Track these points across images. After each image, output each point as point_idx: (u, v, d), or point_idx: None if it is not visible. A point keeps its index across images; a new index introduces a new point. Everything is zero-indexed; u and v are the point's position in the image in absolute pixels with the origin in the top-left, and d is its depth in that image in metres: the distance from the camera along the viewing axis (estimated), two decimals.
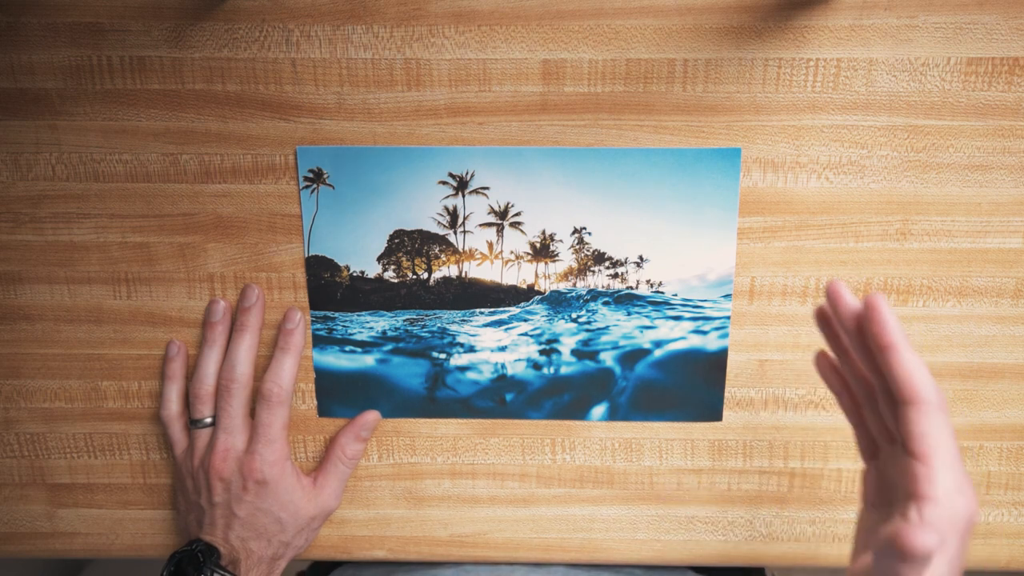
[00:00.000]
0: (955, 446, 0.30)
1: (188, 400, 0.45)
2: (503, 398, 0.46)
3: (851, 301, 0.32)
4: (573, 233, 0.43)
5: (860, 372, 0.35)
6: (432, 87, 0.41)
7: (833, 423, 0.46)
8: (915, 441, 0.30)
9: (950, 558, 0.29)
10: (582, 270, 0.44)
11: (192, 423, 0.44)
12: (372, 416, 0.46)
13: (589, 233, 0.43)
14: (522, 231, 0.43)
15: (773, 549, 0.48)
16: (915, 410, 0.30)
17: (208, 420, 0.44)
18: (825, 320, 0.35)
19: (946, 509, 0.29)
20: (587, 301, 0.44)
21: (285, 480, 0.44)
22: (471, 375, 0.46)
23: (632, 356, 0.45)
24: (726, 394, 0.46)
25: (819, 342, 0.44)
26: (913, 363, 0.30)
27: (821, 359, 0.37)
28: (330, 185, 0.43)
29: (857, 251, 0.43)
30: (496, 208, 0.43)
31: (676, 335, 0.45)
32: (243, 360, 0.43)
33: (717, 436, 0.47)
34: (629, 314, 0.44)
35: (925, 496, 0.29)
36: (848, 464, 0.47)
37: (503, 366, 0.45)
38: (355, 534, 0.49)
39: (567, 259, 0.44)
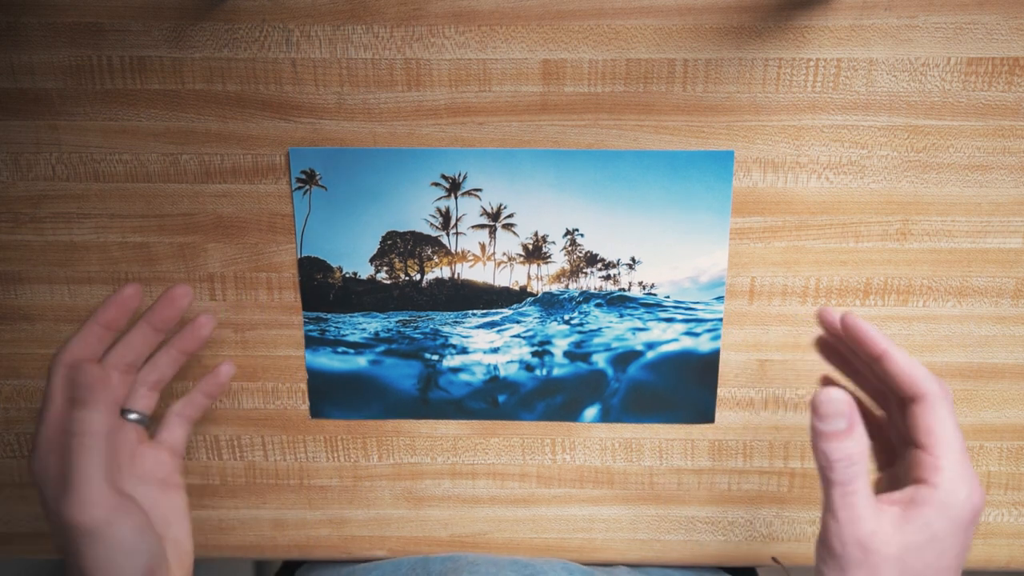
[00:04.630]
0: (961, 439, 0.30)
1: None
2: (495, 399, 0.46)
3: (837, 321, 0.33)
4: (565, 235, 0.43)
5: (873, 383, 0.35)
6: (432, 87, 0.41)
7: None
8: (921, 433, 0.30)
9: (955, 551, 0.29)
10: (574, 272, 0.44)
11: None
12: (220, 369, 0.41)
13: (581, 235, 0.43)
14: (514, 233, 0.43)
15: (773, 549, 0.48)
16: (920, 405, 0.31)
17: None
18: (827, 346, 0.37)
19: (943, 495, 0.29)
20: (580, 303, 0.44)
21: (103, 533, 0.34)
22: (463, 376, 0.46)
23: (624, 358, 0.45)
24: (726, 394, 0.46)
25: None
26: (907, 361, 0.32)
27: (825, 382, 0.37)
28: (323, 186, 0.43)
29: (857, 251, 0.43)
30: (488, 210, 0.43)
31: (668, 337, 0.45)
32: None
33: (717, 436, 0.47)
34: (621, 316, 0.44)
35: (925, 480, 0.30)
36: None
37: (495, 368, 0.45)
38: (355, 534, 0.49)
39: (559, 261, 0.44)
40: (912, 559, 0.29)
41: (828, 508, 0.30)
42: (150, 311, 0.38)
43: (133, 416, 0.39)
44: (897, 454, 0.35)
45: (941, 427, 0.30)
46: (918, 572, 0.29)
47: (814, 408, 0.29)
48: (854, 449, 0.29)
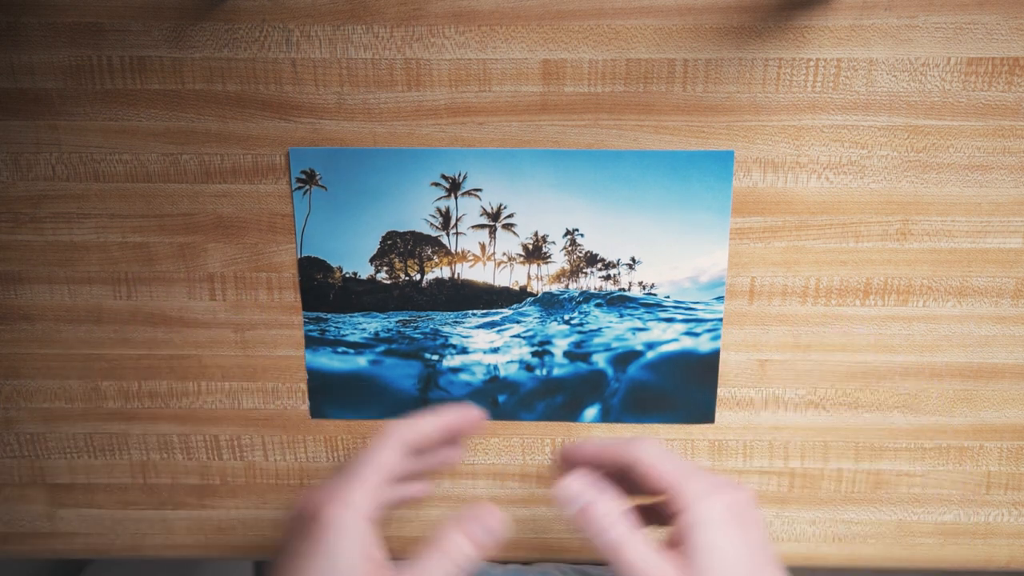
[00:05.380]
0: (685, 464, 0.31)
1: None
2: (495, 399, 0.46)
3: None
4: (566, 235, 0.43)
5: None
6: (432, 87, 0.41)
7: (833, 423, 0.46)
8: (647, 475, 0.31)
9: (745, 544, 0.29)
10: (574, 272, 0.44)
11: None
12: (491, 518, 0.32)
13: (582, 235, 0.43)
14: (515, 233, 0.43)
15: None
16: (637, 467, 0.32)
17: None
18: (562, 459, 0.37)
19: (695, 512, 0.29)
20: (580, 303, 0.44)
21: (346, 529, 0.30)
22: (463, 376, 0.46)
23: (624, 358, 0.45)
24: (726, 394, 0.46)
25: (819, 342, 0.44)
26: (597, 443, 0.34)
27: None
28: (323, 186, 0.43)
29: (857, 251, 0.43)
30: (488, 210, 0.43)
31: (668, 337, 0.45)
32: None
33: (717, 436, 0.47)
34: (621, 316, 0.44)
35: (677, 511, 0.30)
36: (848, 464, 0.47)
37: (495, 368, 0.45)
38: None
39: (559, 261, 0.44)
40: None
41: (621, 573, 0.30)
42: (450, 419, 0.35)
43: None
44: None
45: (652, 460, 0.31)
46: None
47: (557, 501, 0.31)
48: (605, 516, 0.30)
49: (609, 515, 0.30)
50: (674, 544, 0.30)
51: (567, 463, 0.35)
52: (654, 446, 0.32)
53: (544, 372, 0.45)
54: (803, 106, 0.41)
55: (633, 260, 0.44)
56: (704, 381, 0.45)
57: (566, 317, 0.45)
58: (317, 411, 0.47)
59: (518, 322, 0.45)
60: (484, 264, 0.44)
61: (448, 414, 0.35)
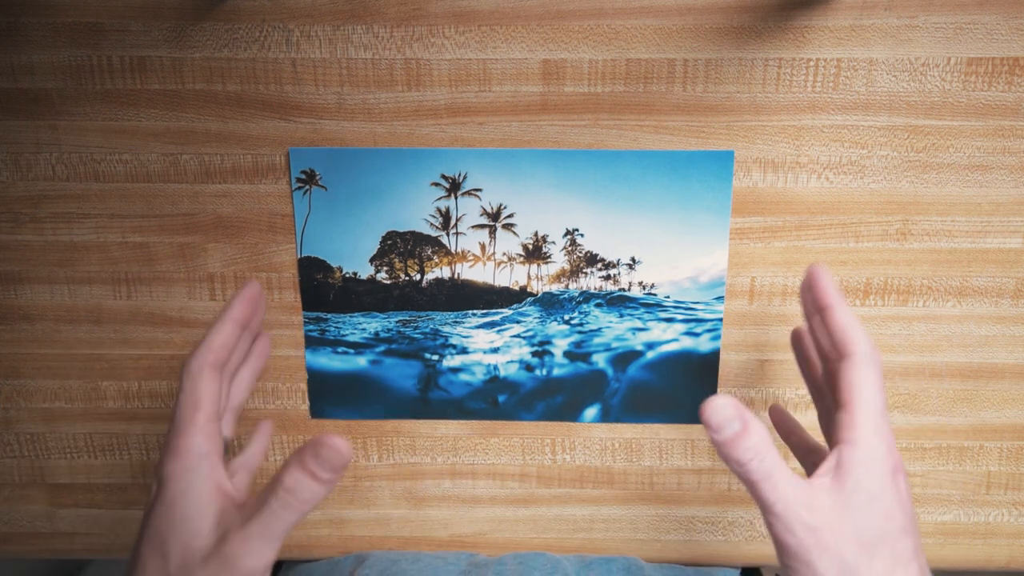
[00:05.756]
0: (881, 399, 0.30)
1: None
2: (495, 399, 0.46)
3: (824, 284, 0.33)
4: (566, 235, 0.43)
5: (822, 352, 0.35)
6: (432, 87, 0.41)
7: None
8: (841, 391, 0.30)
9: (900, 509, 0.29)
10: (574, 272, 0.44)
11: None
12: (334, 444, 0.28)
13: (582, 235, 0.43)
14: (515, 233, 0.43)
15: (773, 549, 0.48)
16: (845, 363, 0.30)
17: None
18: (797, 340, 0.39)
19: (864, 451, 0.29)
20: (580, 303, 0.44)
21: (187, 476, 0.30)
22: (463, 376, 0.46)
23: (624, 358, 0.45)
24: (726, 394, 0.46)
25: None
26: (847, 319, 0.31)
27: (795, 337, 0.39)
28: (323, 186, 0.43)
29: (857, 251, 0.43)
30: (488, 210, 0.43)
31: (668, 337, 0.45)
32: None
33: None
34: (621, 316, 0.44)
35: (843, 440, 0.29)
36: None
37: (495, 368, 0.45)
38: (355, 534, 0.49)
39: (559, 261, 0.44)
40: (862, 524, 0.28)
41: (765, 508, 0.29)
42: (234, 312, 0.34)
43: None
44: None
45: (861, 385, 0.30)
46: (875, 538, 0.28)
47: (705, 423, 0.28)
48: (759, 444, 0.28)
49: (761, 444, 0.28)
50: (832, 461, 0.29)
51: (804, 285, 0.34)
52: (878, 375, 0.30)
53: (544, 372, 0.45)
54: (803, 106, 0.41)
55: (633, 260, 0.44)
56: (704, 381, 0.45)
57: (566, 317, 0.45)
58: (317, 411, 0.47)
59: (518, 322, 0.45)
60: (484, 264, 0.44)
61: (230, 309, 0.34)
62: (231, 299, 0.34)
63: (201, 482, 0.30)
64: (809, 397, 0.46)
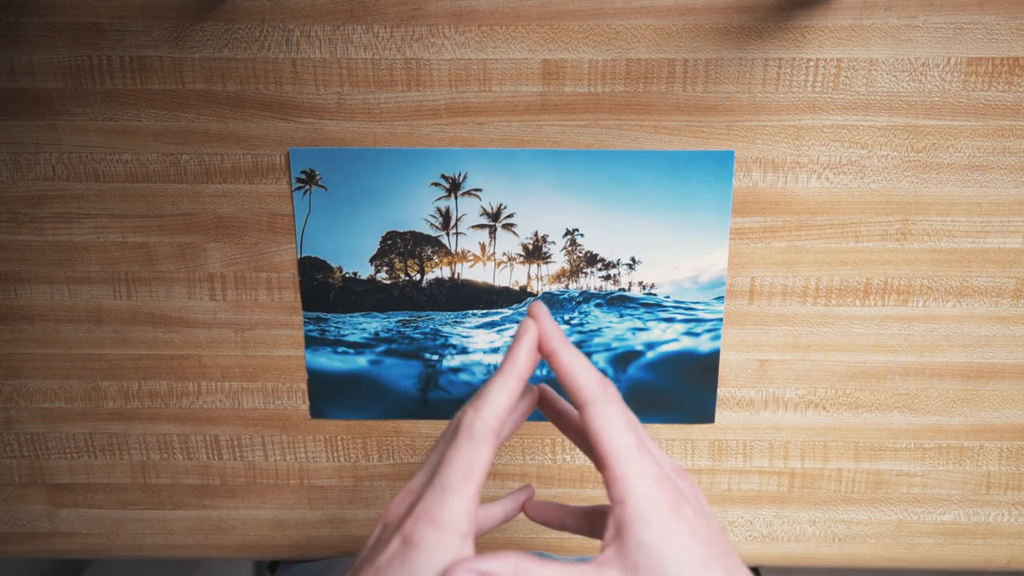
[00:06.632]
0: (629, 437, 0.27)
1: None
2: None
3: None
4: (566, 235, 0.43)
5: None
6: (432, 87, 0.41)
7: (833, 423, 0.46)
8: (593, 445, 0.28)
9: (672, 549, 0.26)
10: (574, 272, 0.44)
11: None
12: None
13: (581, 235, 0.43)
14: (514, 233, 0.43)
15: (773, 549, 0.48)
16: (583, 413, 0.28)
17: None
18: (541, 397, 0.34)
19: (632, 506, 0.26)
20: (580, 303, 0.44)
21: (440, 551, 0.27)
22: (463, 376, 0.46)
23: (624, 358, 0.45)
24: (726, 394, 0.46)
25: (819, 342, 0.44)
26: (571, 365, 0.29)
27: (539, 397, 0.34)
28: (323, 186, 0.43)
29: (857, 251, 0.43)
30: (488, 210, 0.43)
31: (668, 337, 0.45)
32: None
33: (717, 436, 0.47)
34: (621, 316, 0.44)
35: (612, 500, 0.27)
36: (848, 464, 0.47)
37: (495, 368, 0.45)
38: (355, 534, 0.49)
39: (559, 261, 0.44)
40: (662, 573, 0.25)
41: None
42: (520, 368, 0.29)
43: None
44: None
45: (602, 432, 0.27)
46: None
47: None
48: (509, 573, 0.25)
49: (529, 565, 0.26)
50: (611, 530, 0.27)
51: (543, 403, 0.33)
52: (614, 410, 0.28)
53: (544, 372, 0.45)
54: (803, 106, 0.41)
55: (633, 260, 0.44)
56: (704, 381, 0.45)
57: (566, 317, 0.45)
58: (317, 411, 0.47)
59: (518, 322, 0.45)
60: (484, 264, 0.44)
61: (515, 365, 0.29)
62: (514, 350, 0.29)
63: (450, 558, 0.27)
64: (808, 398, 0.46)
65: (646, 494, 0.26)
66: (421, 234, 0.44)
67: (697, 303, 0.44)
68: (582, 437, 0.33)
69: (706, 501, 0.29)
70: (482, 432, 0.27)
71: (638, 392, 0.45)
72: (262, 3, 0.40)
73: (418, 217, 0.43)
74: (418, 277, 0.44)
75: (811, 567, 0.49)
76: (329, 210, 0.43)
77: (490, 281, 0.44)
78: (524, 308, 0.45)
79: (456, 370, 0.46)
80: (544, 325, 0.29)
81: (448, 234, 0.44)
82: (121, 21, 0.40)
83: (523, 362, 0.29)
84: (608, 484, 0.27)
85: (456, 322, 0.45)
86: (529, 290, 0.44)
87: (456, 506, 0.27)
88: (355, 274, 0.44)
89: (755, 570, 0.56)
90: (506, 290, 0.44)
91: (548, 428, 0.47)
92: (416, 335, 0.45)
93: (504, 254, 0.44)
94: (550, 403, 0.34)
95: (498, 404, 0.28)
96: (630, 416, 0.28)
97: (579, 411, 0.28)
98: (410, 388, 0.46)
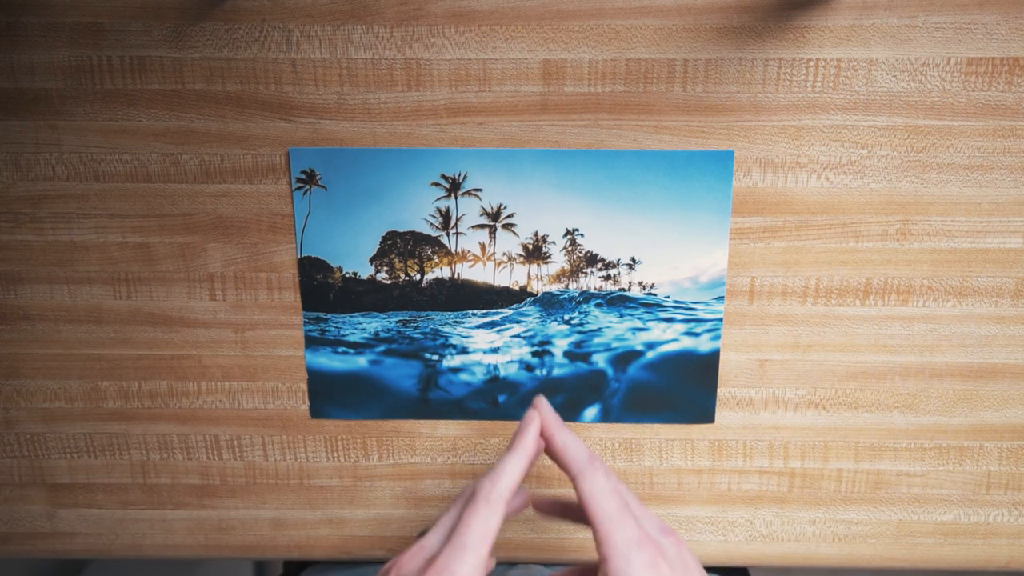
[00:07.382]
0: (613, 502, 0.32)
1: None
2: (495, 399, 0.46)
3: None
4: (566, 235, 0.43)
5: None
6: (432, 87, 0.41)
7: (833, 423, 0.46)
8: (584, 512, 0.32)
9: None
10: (574, 272, 0.44)
11: None
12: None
13: (582, 235, 0.43)
14: (515, 233, 0.43)
15: (773, 549, 0.48)
16: (575, 484, 0.33)
17: None
18: (536, 503, 0.39)
19: (615, 562, 0.30)
20: (580, 303, 0.44)
21: None
22: (464, 376, 0.46)
23: (624, 358, 0.45)
24: (726, 394, 0.46)
25: (819, 342, 0.44)
26: (563, 443, 0.34)
27: (536, 504, 0.39)
28: (323, 186, 0.43)
29: (857, 251, 0.43)
30: (488, 210, 0.43)
31: (668, 337, 0.45)
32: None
33: (717, 436, 0.47)
34: (621, 316, 0.44)
35: (600, 557, 0.31)
36: (848, 464, 0.47)
37: (495, 368, 0.45)
38: (355, 534, 0.49)
39: (559, 261, 0.44)
40: None
41: None
42: (529, 449, 0.34)
43: None
44: None
45: (589, 498, 0.32)
46: None
47: None
48: None
49: None
50: None
51: (537, 502, 0.38)
52: (600, 480, 0.32)
53: (544, 372, 0.45)
54: (803, 106, 0.41)
55: (633, 260, 0.44)
56: (704, 381, 0.45)
57: (566, 317, 0.45)
58: (317, 411, 0.47)
59: (518, 322, 0.45)
60: (484, 264, 0.44)
61: (524, 447, 0.34)
62: (522, 435, 0.34)
63: None
64: (808, 398, 0.46)
65: (625, 553, 0.30)
66: (421, 234, 0.44)
67: (697, 303, 0.44)
68: (574, 512, 0.38)
69: (691, 555, 0.33)
70: (497, 499, 0.32)
71: (638, 392, 0.45)
72: (262, 3, 0.40)
73: (418, 217, 0.43)
74: (418, 277, 0.44)
75: (811, 567, 0.49)
76: (329, 210, 0.43)
77: (490, 281, 0.44)
78: (524, 308, 0.45)
79: (456, 370, 0.46)
80: (545, 415, 0.35)
81: (448, 234, 0.44)
82: (121, 21, 0.40)
83: (530, 444, 0.34)
84: (596, 543, 0.31)
85: (456, 322, 0.45)
86: (529, 290, 0.44)
87: (474, 563, 0.31)
88: (355, 274, 0.44)
89: (744, 571, 0.56)
90: (506, 290, 0.44)
91: None
92: (416, 335, 0.45)
93: (504, 254, 0.44)
94: (543, 500, 0.39)
95: (511, 476, 0.33)
96: (615, 483, 0.33)
97: (572, 482, 0.33)
98: (410, 388, 0.46)
